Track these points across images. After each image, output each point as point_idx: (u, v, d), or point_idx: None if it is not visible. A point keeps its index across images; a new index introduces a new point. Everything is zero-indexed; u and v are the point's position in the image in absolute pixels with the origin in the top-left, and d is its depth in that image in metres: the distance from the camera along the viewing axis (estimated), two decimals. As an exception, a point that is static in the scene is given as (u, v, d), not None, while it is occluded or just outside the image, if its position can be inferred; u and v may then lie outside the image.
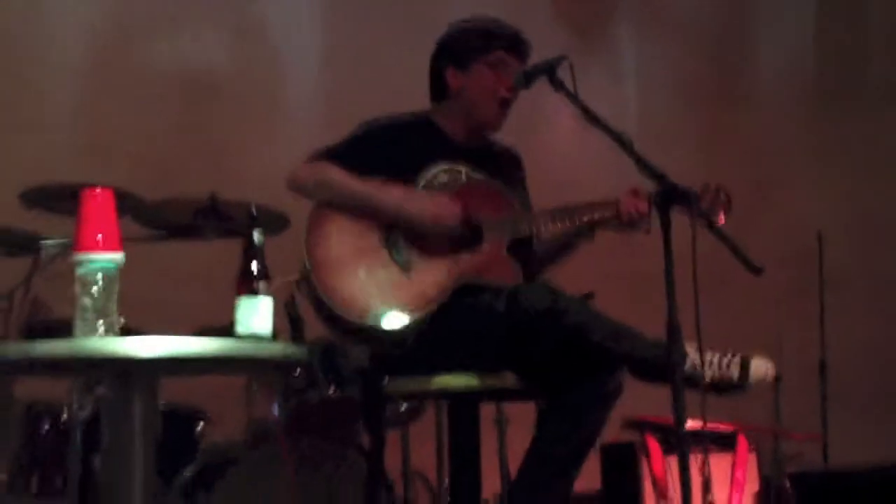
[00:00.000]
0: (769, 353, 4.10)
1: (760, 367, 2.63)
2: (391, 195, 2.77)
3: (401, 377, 2.81)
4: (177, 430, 3.19)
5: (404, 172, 2.85)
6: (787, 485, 3.94)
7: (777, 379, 4.00)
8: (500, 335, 2.70)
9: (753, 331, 4.59)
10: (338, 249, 2.74)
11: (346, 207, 2.78)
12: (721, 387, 2.61)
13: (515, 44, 2.90)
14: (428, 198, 2.78)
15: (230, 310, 2.12)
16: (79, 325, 1.96)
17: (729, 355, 2.64)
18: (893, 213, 5.43)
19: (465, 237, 2.80)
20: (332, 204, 2.79)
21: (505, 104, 2.91)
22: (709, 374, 2.60)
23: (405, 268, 2.76)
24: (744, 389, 2.63)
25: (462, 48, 2.93)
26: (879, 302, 5.33)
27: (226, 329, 2.13)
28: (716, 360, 2.62)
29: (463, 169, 2.90)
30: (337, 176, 2.79)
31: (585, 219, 2.83)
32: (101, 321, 1.95)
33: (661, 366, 2.50)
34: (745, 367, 2.62)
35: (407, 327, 2.69)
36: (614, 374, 2.67)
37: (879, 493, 4.53)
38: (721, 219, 2.78)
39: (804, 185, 5.34)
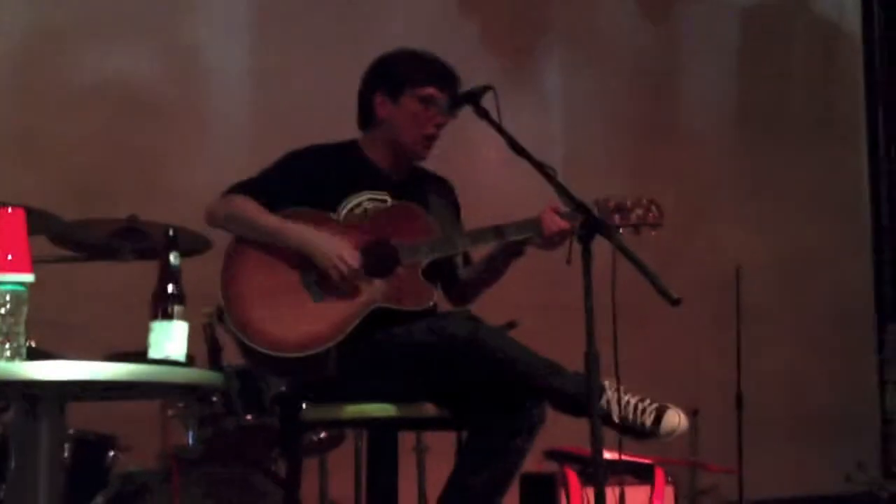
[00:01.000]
0: (687, 384, 4.17)
1: (673, 419, 2.63)
2: (294, 234, 2.76)
3: (319, 405, 2.79)
4: (87, 457, 3.11)
5: (327, 200, 2.84)
6: (704, 517, 3.98)
7: (695, 412, 4.06)
8: (421, 364, 2.69)
9: (672, 362, 4.66)
10: (251, 283, 2.74)
11: (254, 238, 2.78)
12: (632, 431, 2.63)
13: (448, 82, 2.90)
14: (327, 239, 2.76)
15: (146, 333, 2.08)
16: (-16, 347, 1.90)
17: (647, 402, 2.65)
18: (811, 247, 5.55)
19: (379, 263, 2.78)
20: (246, 238, 2.78)
21: (430, 139, 2.92)
22: (621, 415, 2.60)
23: (318, 298, 2.74)
24: (654, 438, 2.64)
25: (395, 78, 2.92)
26: (797, 335, 5.43)
27: (140, 353, 2.09)
28: (633, 402, 2.63)
29: (388, 198, 2.89)
30: (246, 210, 2.80)
31: (508, 238, 2.84)
32: (7, 344, 1.89)
33: (580, 399, 2.51)
34: (658, 416, 2.63)
35: (323, 355, 2.67)
36: (537, 405, 2.67)
37: (794, 525, 4.59)
38: (653, 233, 2.81)
39: (725, 218, 5.42)
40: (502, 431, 2.67)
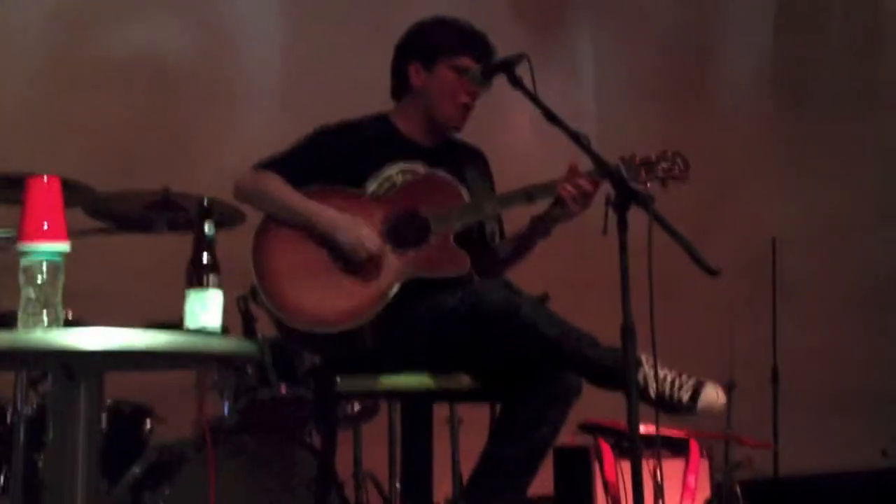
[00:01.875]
0: (722, 358, 4.14)
1: (711, 394, 2.62)
2: (317, 218, 2.76)
3: (354, 376, 2.78)
4: (124, 427, 3.14)
5: (359, 174, 2.84)
6: (738, 491, 3.96)
7: (730, 386, 4.04)
8: (456, 332, 2.68)
9: (706, 336, 4.62)
10: (284, 260, 2.74)
11: (278, 217, 2.78)
12: (668, 406, 2.61)
13: (484, 51, 2.88)
14: (350, 224, 2.75)
15: (181, 305, 2.08)
16: (22, 316, 1.91)
17: (684, 377, 2.63)
18: (848, 220, 5.48)
19: (410, 234, 2.77)
20: (269, 215, 2.79)
21: (466, 108, 2.91)
22: (658, 390, 2.59)
23: (352, 272, 2.73)
24: (690, 413, 2.62)
25: (430, 47, 2.90)
26: (832, 309, 5.37)
27: (176, 324, 2.09)
28: (669, 377, 2.62)
29: (420, 168, 2.88)
30: (273, 190, 2.80)
31: (537, 199, 2.81)
32: (45, 312, 1.90)
33: (616, 372, 2.50)
34: (696, 392, 2.61)
35: (360, 329, 2.66)
36: (572, 377, 2.66)
37: (829, 500, 4.56)
38: (680, 184, 2.79)
39: (761, 190, 5.37)
40: (537, 403, 2.66)
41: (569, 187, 2.75)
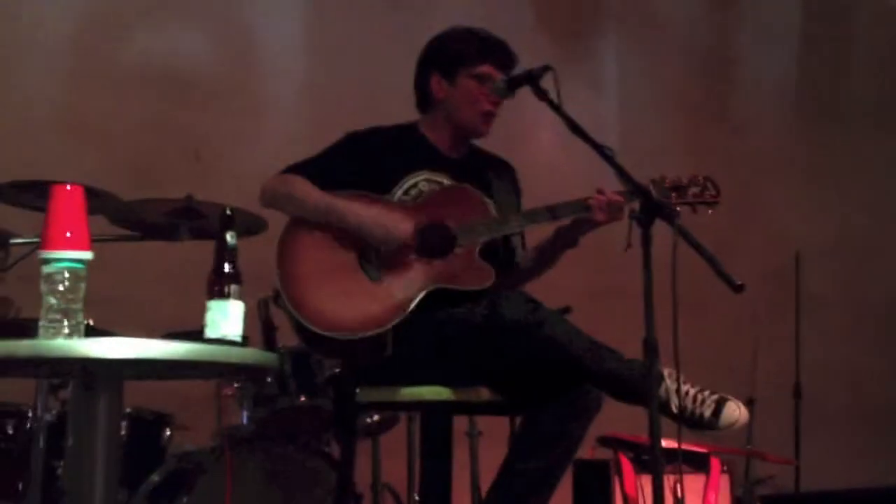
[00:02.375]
0: (744, 373, 4.11)
1: (734, 411, 2.61)
2: (348, 212, 2.75)
3: (373, 387, 2.78)
4: (143, 435, 3.14)
5: (385, 181, 2.84)
6: (759, 507, 3.93)
7: (751, 401, 4.00)
8: (476, 344, 2.67)
9: (728, 350, 4.59)
10: (308, 265, 2.72)
11: (307, 218, 2.77)
12: (691, 421, 2.60)
13: (504, 59, 2.88)
14: (380, 215, 2.75)
15: (202, 313, 2.07)
16: (43, 324, 1.91)
17: (706, 392, 2.61)
18: (872, 235, 5.44)
19: (436, 244, 2.76)
20: (300, 218, 2.77)
21: (489, 116, 2.90)
22: (681, 405, 2.57)
23: (376, 279, 2.72)
24: (713, 429, 2.61)
25: (450, 58, 2.91)
26: (856, 324, 5.33)
27: (196, 333, 2.09)
28: (692, 393, 2.60)
29: (445, 179, 2.87)
30: (301, 190, 2.79)
31: (561, 217, 2.81)
32: (66, 321, 1.90)
33: (637, 386, 2.48)
34: (718, 408, 2.59)
35: (380, 337, 2.65)
36: (593, 390, 2.64)
37: (851, 517, 4.51)
38: (709, 211, 2.78)
39: (784, 204, 5.34)
40: (558, 416, 2.64)
41: (598, 196, 2.74)
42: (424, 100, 2.96)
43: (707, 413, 2.59)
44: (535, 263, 2.96)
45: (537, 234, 2.98)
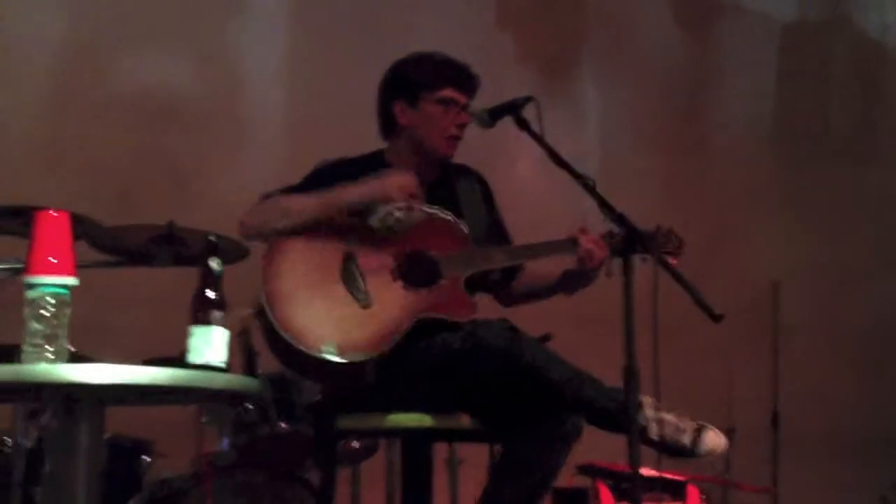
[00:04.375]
0: (722, 401, 4.13)
1: (713, 439, 2.63)
2: (349, 191, 2.76)
3: (354, 414, 2.78)
4: (123, 461, 3.12)
5: (356, 210, 2.84)
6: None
7: (730, 430, 4.02)
8: (457, 372, 2.68)
9: (707, 379, 4.62)
10: (293, 282, 2.71)
11: (307, 224, 2.75)
12: (670, 449, 2.61)
13: (464, 80, 2.90)
14: (381, 179, 2.77)
15: (184, 339, 2.08)
16: (26, 349, 1.91)
17: (686, 420, 2.64)
18: (847, 265, 5.49)
19: (422, 274, 2.78)
20: (294, 230, 2.75)
21: (454, 139, 2.92)
22: (660, 433, 2.59)
23: (362, 303, 2.72)
24: (692, 457, 2.63)
25: (411, 84, 2.92)
26: (833, 354, 5.37)
27: (179, 358, 2.09)
28: (671, 421, 2.62)
29: (415, 205, 2.87)
30: (292, 200, 2.78)
31: (540, 258, 2.83)
32: (49, 346, 1.90)
33: (617, 414, 2.50)
34: (697, 436, 2.62)
35: (365, 363, 2.66)
36: (572, 417, 2.65)
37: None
38: (672, 261, 2.80)
39: (761, 234, 5.38)
40: (538, 444, 2.65)
41: (589, 243, 2.77)
42: (388, 127, 2.97)
43: (686, 441, 2.61)
44: (548, 289, 2.97)
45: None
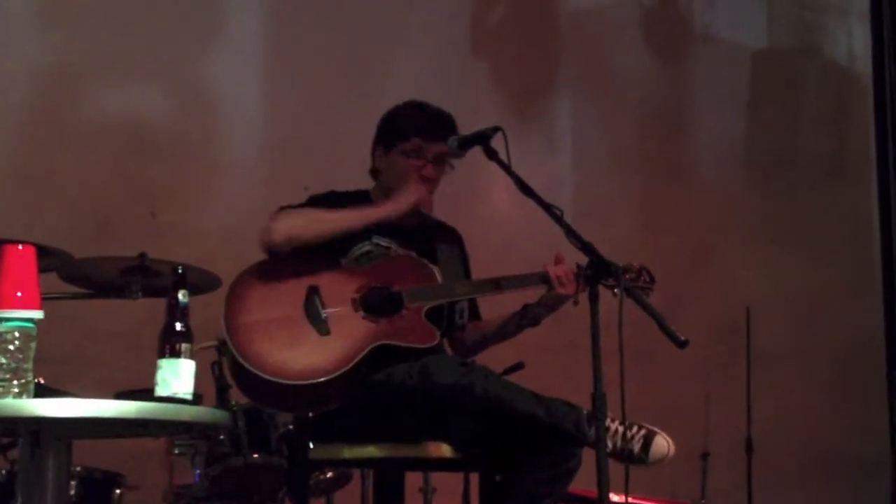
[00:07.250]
0: (696, 427, 4.14)
1: (662, 445, 2.65)
2: (367, 210, 2.88)
3: (327, 444, 2.78)
4: (93, 494, 3.11)
5: (339, 245, 2.87)
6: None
7: (704, 455, 4.04)
8: (415, 409, 2.69)
9: (680, 404, 4.63)
10: (254, 315, 2.74)
11: (336, 233, 2.82)
12: (620, 457, 2.62)
13: (433, 129, 2.93)
14: (395, 195, 2.88)
15: (154, 371, 2.08)
16: (-8, 383, 1.90)
17: (634, 428, 2.65)
18: (822, 290, 5.52)
19: (382, 304, 2.80)
20: (322, 237, 2.80)
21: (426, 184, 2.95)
22: (611, 442, 2.60)
23: (322, 331, 2.74)
24: (643, 464, 2.64)
25: (388, 132, 2.99)
26: (807, 379, 5.39)
27: (148, 391, 2.09)
28: (621, 430, 2.63)
29: (392, 244, 2.91)
30: (314, 212, 2.85)
31: (506, 291, 2.85)
32: (15, 381, 1.90)
33: (566, 427, 2.52)
34: (647, 443, 2.63)
35: (322, 387, 2.66)
36: (575, 451, 2.66)
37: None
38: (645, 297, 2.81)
39: (734, 259, 5.41)
40: (541, 479, 2.66)
41: (559, 272, 2.80)
42: (372, 169, 3.04)
43: (636, 448, 2.64)
44: (494, 336, 3.01)
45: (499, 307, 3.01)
